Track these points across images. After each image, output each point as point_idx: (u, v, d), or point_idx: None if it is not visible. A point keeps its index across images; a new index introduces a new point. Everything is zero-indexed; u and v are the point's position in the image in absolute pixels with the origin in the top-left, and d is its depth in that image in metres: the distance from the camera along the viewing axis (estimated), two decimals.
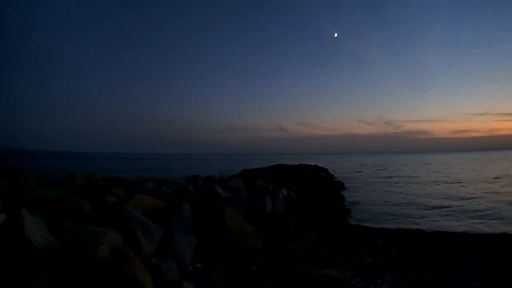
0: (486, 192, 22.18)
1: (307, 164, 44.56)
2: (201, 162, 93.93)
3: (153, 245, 5.32)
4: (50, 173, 13.15)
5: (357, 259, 7.94)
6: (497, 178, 32.27)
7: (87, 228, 4.01)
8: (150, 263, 3.87)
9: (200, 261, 5.79)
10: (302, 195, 17.49)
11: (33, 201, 5.59)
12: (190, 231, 6.15)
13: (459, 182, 29.28)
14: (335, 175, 37.01)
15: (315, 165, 45.00)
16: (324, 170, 39.36)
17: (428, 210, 16.43)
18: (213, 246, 6.30)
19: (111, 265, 3.07)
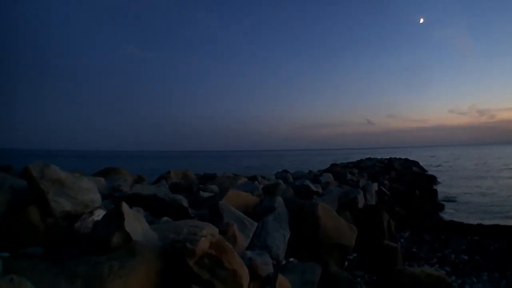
0: None
1: (398, 157, 42.89)
2: (288, 157, 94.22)
3: (248, 238, 5.30)
4: (145, 171, 13.98)
5: (453, 256, 7.58)
6: None
7: (184, 222, 4.05)
8: (245, 256, 3.79)
9: (293, 255, 5.68)
10: (393, 190, 16.65)
11: (132, 198, 5.83)
12: (284, 226, 6.02)
13: None
14: (426, 169, 34.99)
15: (406, 159, 43.19)
16: (416, 163, 37.71)
17: None
18: (306, 240, 6.12)
19: (211, 258, 3.03)
